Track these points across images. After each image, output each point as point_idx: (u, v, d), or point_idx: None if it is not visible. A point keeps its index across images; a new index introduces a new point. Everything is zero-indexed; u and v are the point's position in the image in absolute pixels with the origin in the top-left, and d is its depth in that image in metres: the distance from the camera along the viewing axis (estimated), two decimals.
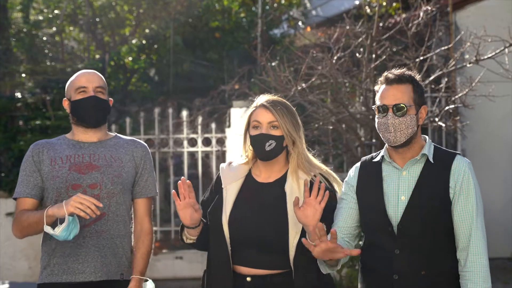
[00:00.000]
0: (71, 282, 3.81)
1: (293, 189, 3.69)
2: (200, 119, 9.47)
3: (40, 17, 13.10)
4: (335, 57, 7.09)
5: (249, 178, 3.80)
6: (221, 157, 9.64)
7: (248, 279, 3.64)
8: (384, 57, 7.16)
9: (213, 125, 9.48)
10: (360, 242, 3.71)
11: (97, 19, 12.89)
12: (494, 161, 9.17)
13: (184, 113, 9.55)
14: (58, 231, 3.59)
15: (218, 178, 3.83)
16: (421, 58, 6.94)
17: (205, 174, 9.84)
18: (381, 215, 3.46)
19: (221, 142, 9.50)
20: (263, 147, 3.66)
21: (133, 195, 3.98)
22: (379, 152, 3.63)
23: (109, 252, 3.85)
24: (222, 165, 3.91)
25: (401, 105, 3.39)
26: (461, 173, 3.42)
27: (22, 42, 11.96)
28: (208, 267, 3.77)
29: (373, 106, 3.55)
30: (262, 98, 3.76)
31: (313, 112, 7.39)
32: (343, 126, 7.53)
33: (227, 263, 3.65)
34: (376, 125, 3.50)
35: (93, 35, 12.74)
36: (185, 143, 9.51)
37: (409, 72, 3.52)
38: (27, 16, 12.88)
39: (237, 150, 9.12)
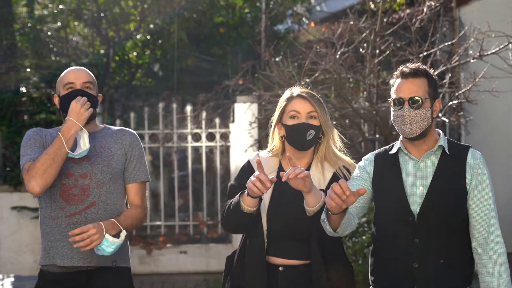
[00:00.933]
0: (61, 265, 3.89)
1: (320, 180, 3.78)
2: (204, 114, 9.49)
3: (45, 12, 13.12)
4: (339, 53, 7.10)
5: (281, 171, 3.76)
6: (225, 152, 9.67)
7: (281, 268, 3.74)
8: (387, 52, 7.17)
9: (217, 120, 9.50)
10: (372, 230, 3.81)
11: (102, 14, 12.90)
12: (498, 157, 9.16)
13: (188, 108, 9.57)
14: (82, 152, 3.83)
15: (250, 168, 3.89)
16: (425, 53, 6.94)
17: (209, 169, 9.87)
18: (403, 205, 3.57)
19: (225, 137, 9.52)
20: (303, 137, 3.73)
21: (124, 181, 4.05)
22: (393, 145, 3.73)
23: None
24: (250, 157, 4.00)
25: (417, 98, 3.51)
26: (476, 164, 3.57)
27: (27, 37, 11.98)
28: (239, 255, 3.85)
29: (389, 99, 3.66)
30: (296, 89, 3.83)
31: None
32: (346, 121, 7.54)
33: (262, 254, 3.74)
34: (391, 118, 3.61)
35: (98, 30, 12.75)
36: (189, 138, 9.53)
37: (424, 66, 3.62)
38: (32, 11, 12.90)
39: (241, 145, 9.15)
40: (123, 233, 3.87)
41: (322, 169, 3.80)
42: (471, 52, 7.04)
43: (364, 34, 7.31)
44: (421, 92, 3.53)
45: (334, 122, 3.96)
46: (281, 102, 3.83)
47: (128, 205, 4.09)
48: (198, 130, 9.54)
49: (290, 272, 3.74)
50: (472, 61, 6.93)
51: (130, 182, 4.05)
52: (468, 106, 8.50)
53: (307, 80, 7.10)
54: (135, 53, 13.01)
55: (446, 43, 7.58)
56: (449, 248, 3.54)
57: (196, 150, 10.01)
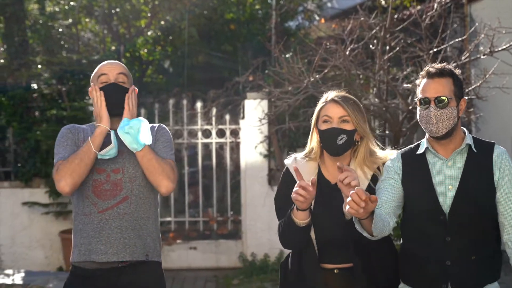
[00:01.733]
0: (94, 261, 3.89)
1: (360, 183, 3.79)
2: (214, 111, 9.51)
3: (56, 9, 13.16)
4: (349, 49, 7.09)
5: (320, 177, 3.86)
6: (235, 148, 9.68)
7: (336, 271, 3.79)
8: (397, 48, 7.15)
9: (227, 117, 9.52)
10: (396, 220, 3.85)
11: (113, 11, 12.94)
12: (508, 153, 9.13)
13: (199, 105, 9.59)
14: (109, 151, 3.86)
15: (290, 175, 3.87)
16: (435, 49, 6.92)
17: (219, 165, 9.88)
18: (433, 204, 3.62)
19: (235, 133, 9.53)
20: (334, 141, 3.74)
21: None
22: (419, 144, 3.80)
23: (132, 233, 3.92)
24: (288, 161, 3.96)
25: (443, 97, 3.57)
26: (503, 160, 3.67)
27: (38, 34, 12.03)
28: (293, 263, 3.89)
29: (415, 99, 3.71)
30: (331, 94, 3.84)
31: None
32: None
33: (316, 264, 3.78)
34: (418, 117, 3.66)
35: (109, 26, 12.79)
36: (199, 134, 9.55)
37: (450, 66, 3.68)
38: (43, 8, 12.95)
39: (251, 142, 9.16)
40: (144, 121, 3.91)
41: (362, 172, 3.81)
42: (481, 48, 7.01)
43: (374, 31, 7.29)
44: (447, 92, 3.58)
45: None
46: (317, 107, 3.85)
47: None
48: (208, 127, 9.56)
49: (345, 273, 3.77)
50: (482, 57, 6.90)
51: None
52: (478, 102, 8.48)
53: (317, 76, 7.10)
54: (146, 50, 13.03)
55: (457, 40, 7.54)
56: (480, 244, 3.60)
57: (206, 146, 10.03)
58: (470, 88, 7.00)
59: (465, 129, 3.75)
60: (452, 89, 3.60)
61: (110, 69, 3.99)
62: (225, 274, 8.96)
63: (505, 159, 3.67)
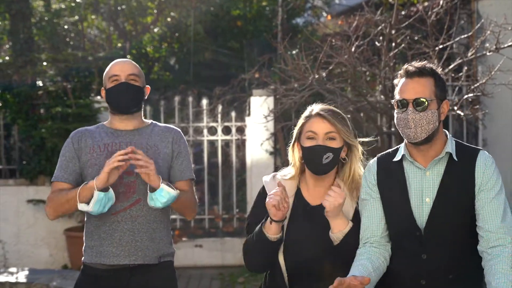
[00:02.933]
0: (105, 264, 3.88)
1: (349, 212, 3.46)
2: (220, 108, 9.47)
3: (62, 6, 13.16)
4: (354, 46, 7.04)
5: (299, 197, 3.53)
6: (241, 145, 9.64)
7: None
8: (403, 45, 7.10)
9: (233, 114, 9.48)
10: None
11: (119, 8, 12.92)
12: None
13: (204, 102, 9.56)
14: (91, 207, 3.72)
15: (265, 193, 3.51)
16: (441, 46, 6.86)
17: (225, 162, 9.85)
18: (408, 219, 3.31)
19: (241, 130, 9.50)
20: (319, 160, 3.41)
21: (171, 179, 4.00)
22: (397, 150, 3.46)
23: (145, 236, 3.90)
24: (266, 178, 3.65)
25: (422, 99, 3.24)
26: (486, 169, 3.28)
27: (43, 31, 12.03)
28: None
29: (392, 101, 3.39)
30: (316, 107, 3.52)
31: (331, 101, 7.36)
32: (361, 115, 7.49)
33: None
34: (395, 121, 3.34)
35: (115, 24, 12.77)
36: (205, 131, 9.52)
37: (431, 65, 3.36)
38: (49, 5, 12.95)
39: (256, 139, 9.12)
40: (177, 191, 3.80)
41: (349, 195, 3.48)
42: (487, 45, 6.95)
43: (380, 27, 7.24)
44: (427, 93, 3.25)
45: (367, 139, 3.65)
46: (300, 120, 3.54)
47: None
48: (214, 124, 9.52)
49: None
50: (488, 54, 6.85)
51: (177, 179, 3.99)
52: (485, 99, 8.41)
53: (323, 73, 7.06)
54: (152, 47, 13.01)
55: (462, 36, 7.48)
56: (458, 261, 3.28)
57: (212, 143, 10.00)
58: (475, 85, 6.94)
59: (448, 133, 3.41)
60: (433, 90, 3.27)
61: (122, 70, 3.94)
62: (231, 272, 8.93)
63: (489, 168, 3.28)
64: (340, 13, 13.13)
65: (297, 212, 3.46)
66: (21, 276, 7.78)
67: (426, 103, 3.25)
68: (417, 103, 3.25)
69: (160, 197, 3.73)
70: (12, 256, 9.35)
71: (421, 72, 3.30)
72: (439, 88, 3.31)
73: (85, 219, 4.01)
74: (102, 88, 4.00)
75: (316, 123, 3.44)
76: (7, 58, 10.98)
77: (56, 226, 9.31)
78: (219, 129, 9.51)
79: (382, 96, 7.34)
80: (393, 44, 7.14)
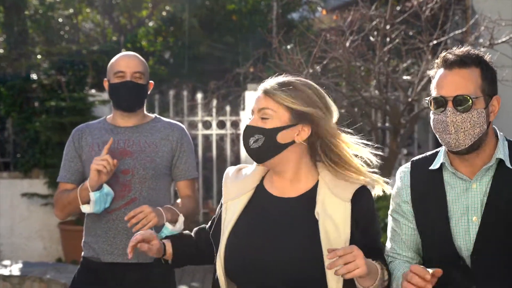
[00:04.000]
0: (99, 261, 3.89)
1: (328, 212, 2.61)
2: (215, 102, 9.47)
3: None
4: (349, 40, 7.05)
5: (259, 190, 2.76)
6: (236, 140, 9.64)
7: None
8: (397, 40, 7.11)
9: (228, 108, 9.48)
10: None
11: (114, 1, 12.89)
12: None
13: (199, 96, 9.55)
14: (92, 208, 3.75)
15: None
16: (435, 42, 6.87)
17: (220, 156, 9.84)
18: (447, 244, 2.66)
19: (235, 125, 9.50)
20: (247, 144, 2.67)
21: (174, 178, 4.01)
22: (435, 155, 2.80)
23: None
24: (229, 170, 2.91)
25: (465, 96, 2.58)
26: None
27: (38, 24, 12.00)
28: None
29: (426, 99, 2.70)
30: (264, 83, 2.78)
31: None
32: (356, 110, 7.50)
33: None
34: (431, 124, 2.68)
35: (110, 17, 12.75)
36: (200, 125, 9.51)
37: (476, 52, 2.69)
38: None
39: None
40: (181, 219, 3.73)
41: (333, 193, 2.63)
42: (481, 40, 6.96)
43: (374, 22, 7.25)
44: (471, 88, 2.59)
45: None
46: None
47: (179, 199, 4.04)
48: (208, 118, 9.52)
49: None
50: (482, 49, 6.85)
51: (181, 179, 3.99)
52: None
53: (317, 68, 7.06)
54: (147, 41, 12.99)
55: (457, 32, 7.50)
56: None
57: (207, 138, 9.99)
58: None
59: (499, 133, 2.75)
60: (479, 83, 2.60)
61: (128, 66, 3.89)
62: None
63: None
64: (335, 8, 13.14)
65: (253, 207, 2.72)
66: (15, 269, 7.78)
67: (470, 101, 2.58)
68: (458, 101, 2.59)
69: (162, 233, 3.65)
70: (6, 249, 9.36)
71: (463, 61, 2.61)
72: (487, 81, 2.63)
73: (85, 215, 4.02)
74: (106, 79, 3.98)
75: (257, 100, 2.72)
76: (1, 51, 10.93)
77: (50, 220, 9.31)
78: (214, 123, 9.50)
79: (376, 91, 7.34)
80: (388, 39, 7.15)
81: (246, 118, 9.12)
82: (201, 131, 9.53)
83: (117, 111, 3.98)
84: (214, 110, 9.48)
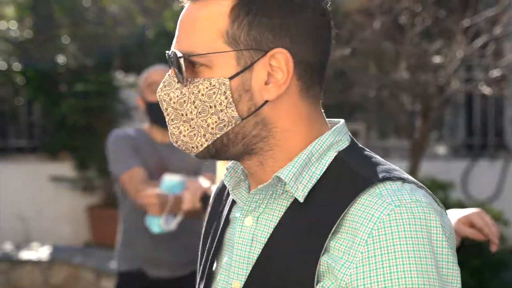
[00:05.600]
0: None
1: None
2: None
3: None
4: (378, 22, 6.92)
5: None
6: None
7: None
8: (428, 21, 6.96)
9: None
10: None
11: None
12: None
13: None
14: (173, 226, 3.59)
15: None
16: (467, 24, 6.72)
17: None
18: None
19: None
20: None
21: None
22: None
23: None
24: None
25: None
26: None
27: (64, 7, 11.94)
28: None
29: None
30: None
31: (355, 78, 7.25)
32: (385, 92, 7.38)
33: None
34: None
35: (138, 0, 12.67)
36: None
37: None
38: None
39: None
40: (177, 220, 3.59)
41: None
42: None
43: (404, 3, 7.10)
44: None
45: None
46: None
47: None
48: None
49: None
50: None
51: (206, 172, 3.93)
52: None
53: (347, 50, 6.95)
54: (173, 22, 12.90)
55: (489, 12, 7.33)
56: None
57: None
58: (501, 62, 6.82)
59: None
60: None
61: (162, 78, 3.81)
62: None
63: None
64: None
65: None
66: (43, 254, 7.81)
67: None
68: None
69: (155, 226, 3.59)
70: (35, 231, 9.37)
71: None
72: None
73: (123, 224, 4.02)
74: (140, 97, 3.92)
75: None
76: (29, 35, 10.90)
77: (77, 202, 9.31)
78: None
79: (406, 74, 7.21)
80: (418, 20, 7.00)
81: None
82: None
83: (155, 126, 3.94)
84: None
